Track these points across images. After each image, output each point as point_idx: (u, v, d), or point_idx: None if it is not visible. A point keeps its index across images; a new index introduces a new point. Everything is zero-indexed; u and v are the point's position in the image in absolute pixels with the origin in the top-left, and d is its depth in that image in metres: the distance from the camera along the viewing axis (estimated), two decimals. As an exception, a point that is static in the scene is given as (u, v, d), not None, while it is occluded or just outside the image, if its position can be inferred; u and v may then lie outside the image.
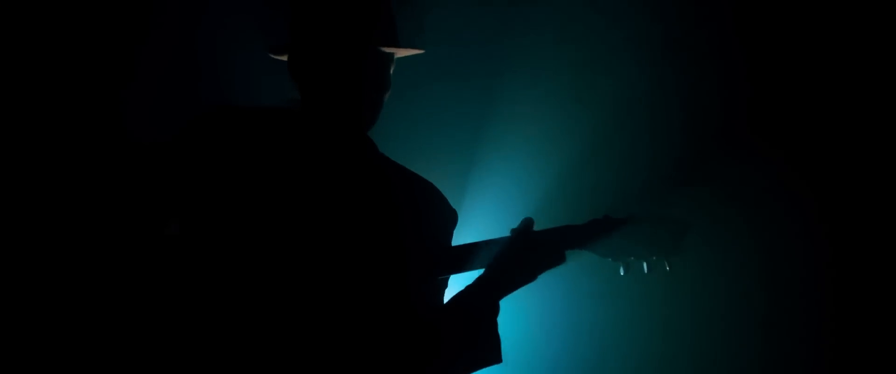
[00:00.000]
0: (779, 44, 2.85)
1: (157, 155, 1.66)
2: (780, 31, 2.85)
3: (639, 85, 2.88)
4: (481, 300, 1.72)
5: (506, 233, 1.78)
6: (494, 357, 1.72)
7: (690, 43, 2.86)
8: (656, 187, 2.81)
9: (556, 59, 2.88)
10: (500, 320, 1.74)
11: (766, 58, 2.87)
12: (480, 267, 1.74)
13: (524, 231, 1.74)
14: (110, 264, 1.60)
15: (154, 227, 1.65)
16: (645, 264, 1.74)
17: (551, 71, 2.89)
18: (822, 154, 2.85)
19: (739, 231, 2.82)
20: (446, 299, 1.79)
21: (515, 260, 1.72)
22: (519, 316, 2.85)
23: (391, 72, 1.76)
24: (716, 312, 2.84)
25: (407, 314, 1.68)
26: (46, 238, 1.62)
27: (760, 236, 2.86)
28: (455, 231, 1.86)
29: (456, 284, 1.83)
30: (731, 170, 2.87)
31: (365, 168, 1.76)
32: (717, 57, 2.87)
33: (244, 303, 1.58)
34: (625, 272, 1.75)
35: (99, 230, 1.62)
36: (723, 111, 2.88)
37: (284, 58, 1.77)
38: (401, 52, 1.76)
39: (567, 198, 2.79)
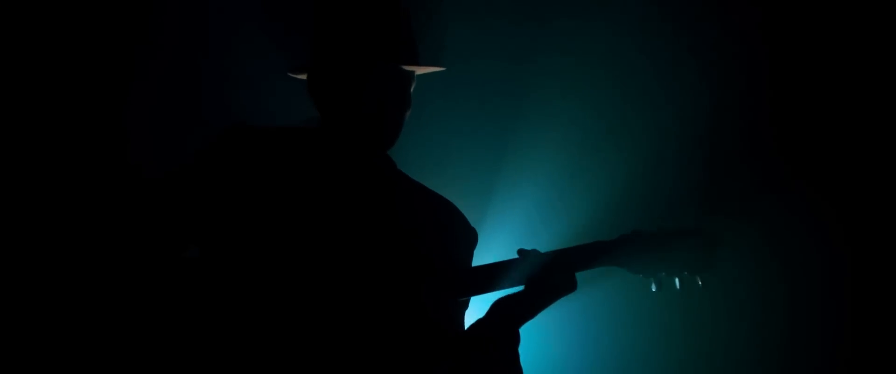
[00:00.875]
0: (804, 60, 2.86)
1: (179, 178, 1.64)
2: (805, 49, 2.86)
3: (664, 99, 2.88)
4: (499, 332, 1.69)
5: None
6: None
7: (716, 66, 2.87)
8: (684, 201, 2.80)
9: (580, 77, 2.88)
10: (526, 343, 1.72)
11: (790, 71, 2.88)
12: (501, 289, 1.72)
13: (533, 261, 1.72)
14: (128, 284, 1.59)
15: (174, 250, 1.64)
16: (677, 280, 1.71)
17: (575, 88, 2.89)
18: (849, 166, 2.86)
19: (768, 243, 2.82)
20: (467, 320, 1.77)
21: (528, 291, 1.69)
22: (546, 336, 2.83)
23: (412, 90, 1.74)
24: (752, 329, 2.84)
25: (428, 335, 1.66)
26: (60, 257, 1.61)
27: (786, 249, 2.86)
28: (476, 251, 1.84)
29: (477, 304, 1.81)
30: (757, 182, 2.88)
31: (385, 187, 1.75)
32: (743, 71, 2.87)
33: (266, 322, 1.57)
34: (657, 289, 1.72)
35: (117, 252, 1.61)
36: (748, 123, 2.89)
37: (303, 77, 1.76)
38: (421, 70, 1.75)
39: (593, 214, 2.78)
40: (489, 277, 1.71)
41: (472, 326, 1.71)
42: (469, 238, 1.82)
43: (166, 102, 2.68)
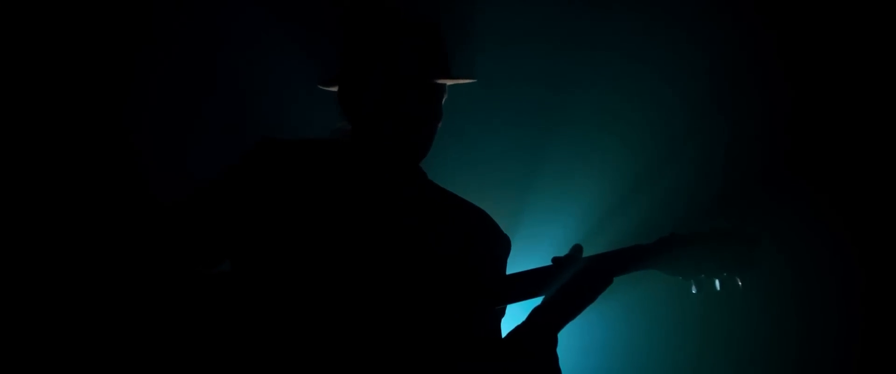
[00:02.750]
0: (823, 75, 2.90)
1: (213, 194, 1.65)
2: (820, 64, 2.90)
3: (685, 117, 2.93)
4: (538, 337, 1.68)
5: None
6: None
7: (739, 95, 2.92)
8: (719, 203, 2.81)
9: (611, 88, 2.92)
10: (567, 349, 1.71)
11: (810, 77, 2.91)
12: (537, 295, 1.71)
13: (573, 259, 1.71)
14: (165, 300, 1.59)
15: (210, 265, 1.64)
16: (717, 281, 1.71)
17: (607, 100, 2.93)
18: (859, 170, 2.88)
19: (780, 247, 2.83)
20: (503, 328, 1.77)
21: (568, 293, 1.68)
22: (584, 339, 2.84)
23: (444, 101, 1.74)
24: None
25: (465, 344, 1.65)
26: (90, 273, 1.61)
27: (797, 252, 2.87)
28: (510, 259, 1.84)
29: (513, 311, 1.81)
30: (774, 190, 2.89)
31: (418, 199, 1.74)
32: (768, 104, 2.93)
33: (301, 335, 1.57)
34: (697, 290, 1.72)
35: (155, 268, 1.61)
36: (765, 148, 2.93)
37: (334, 89, 1.76)
38: (453, 82, 1.75)
39: (630, 218, 2.79)
40: (525, 284, 1.70)
41: (512, 332, 1.70)
42: (502, 246, 1.81)
43: (176, 107, 2.70)
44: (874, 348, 2.83)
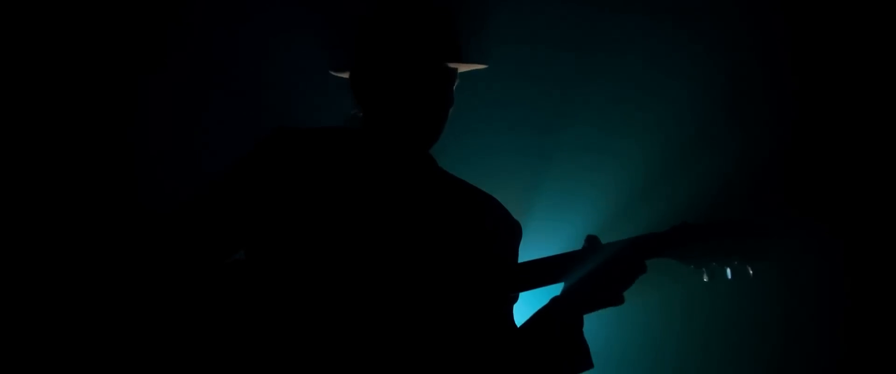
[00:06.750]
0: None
1: (227, 185, 1.65)
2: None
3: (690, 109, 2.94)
4: (566, 316, 1.69)
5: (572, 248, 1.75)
6: (585, 363, 1.70)
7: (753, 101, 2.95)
8: (732, 193, 2.82)
9: (623, 82, 2.93)
10: (590, 329, 1.73)
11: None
12: (551, 283, 1.71)
13: (597, 247, 1.71)
14: (182, 291, 1.59)
15: (225, 255, 1.64)
16: (728, 270, 1.71)
17: (618, 91, 2.94)
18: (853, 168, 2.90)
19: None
20: (513, 314, 1.77)
21: (598, 277, 1.69)
22: (609, 328, 2.85)
23: (455, 87, 1.75)
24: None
25: (484, 331, 1.65)
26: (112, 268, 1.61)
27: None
28: (521, 246, 1.84)
29: (525, 298, 1.81)
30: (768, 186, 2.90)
31: (428, 186, 1.75)
32: (775, 103, 2.96)
33: (316, 322, 1.58)
34: (708, 279, 1.72)
35: (172, 260, 1.61)
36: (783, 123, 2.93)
37: (345, 75, 1.76)
38: (464, 67, 1.76)
39: (642, 206, 2.79)
40: (541, 271, 1.70)
41: (537, 314, 1.71)
42: (513, 232, 1.82)
43: (187, 97, 2.70)
44: (883, 344, 2.83)
